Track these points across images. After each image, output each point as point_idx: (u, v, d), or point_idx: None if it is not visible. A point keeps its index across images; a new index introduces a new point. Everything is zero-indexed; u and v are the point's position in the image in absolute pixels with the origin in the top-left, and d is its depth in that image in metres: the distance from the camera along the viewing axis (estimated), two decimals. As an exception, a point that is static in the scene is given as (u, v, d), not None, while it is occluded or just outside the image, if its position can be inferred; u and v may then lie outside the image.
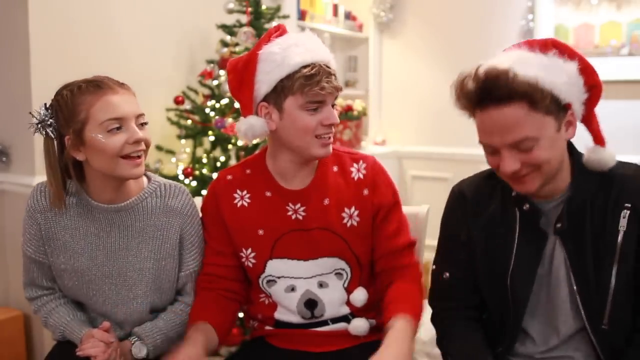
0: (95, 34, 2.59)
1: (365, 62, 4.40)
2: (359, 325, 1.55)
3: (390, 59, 4.39)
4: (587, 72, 1.29)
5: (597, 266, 1.30)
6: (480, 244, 1.41)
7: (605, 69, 3.56)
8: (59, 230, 1.50)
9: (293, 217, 1.51)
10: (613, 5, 3.58)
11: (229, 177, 1.58)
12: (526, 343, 1.41)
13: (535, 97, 1.20)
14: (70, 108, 1.38)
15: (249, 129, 1.47)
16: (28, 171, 2.42)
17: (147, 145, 1.44)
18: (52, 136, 1.41)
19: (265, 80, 1.43)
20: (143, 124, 1.43)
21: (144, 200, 1.51)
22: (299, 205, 1.51)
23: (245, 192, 1.55)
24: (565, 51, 1.28)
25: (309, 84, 1.40)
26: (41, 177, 2.35)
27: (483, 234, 1.41)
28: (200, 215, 1.59)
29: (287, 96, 1.42)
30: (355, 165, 1.56)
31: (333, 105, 1.47)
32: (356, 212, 1.52)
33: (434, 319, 1.52)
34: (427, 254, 1.68)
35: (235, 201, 1.54)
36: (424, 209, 1.77)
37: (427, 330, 2.96)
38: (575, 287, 1.32)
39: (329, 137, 1.47)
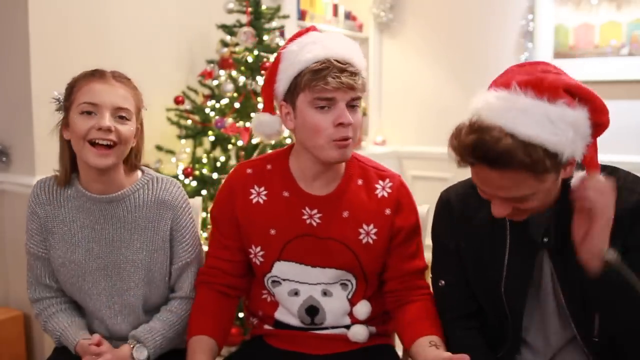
0: (95, 34, 2.59)
1: (365, 62, 4.39)
2: (359, 332, 1.53)
3: (390, 59, 4.39)
4: (597, 113, 1.17)
5: (584, 279, 1.24)
6: (470, 254, 1.39)
7: (605, 69, 3.59)
8: (57, 223, 1.52)
9: (307, 221, 1.48)
10: (613, 5, 3.58)
11: (249, 170, 1.54)
12: (524, 352, 1.40)
13: (537, 168, 1.13)
14: (68, 90, 1.47)
15: (259, 125, 1.49)
16: (28, 171, 2.42)
17: (122, 140, 1.43)
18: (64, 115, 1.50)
19: (283, 79, 1.43)
20: (122, 118, 1.44)
21: (135, 192, 1.52)
22: (315, 211, 1.48)
23: (262, 188, 1.51)
24: (577, 94, 1.16)
25: (315, 78, 1.36)
26: (41, 178, 2.36)
27: (472, 244, 1.38)
28: (191, 208, 1.60)
29: (298, 93, 1.40)
30: (381, 182, 1.52)
31: (354, 106, 1.41)
32: (374, 230, 1.49)
33: None
34: (427, 254, 1.67)
35: (251, 197, 1.51)
36: (424, 209, 1.76)
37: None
38: (563, 300, 1.30)
39: (346, 139, 1.40)
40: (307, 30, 1.48)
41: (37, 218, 1.53)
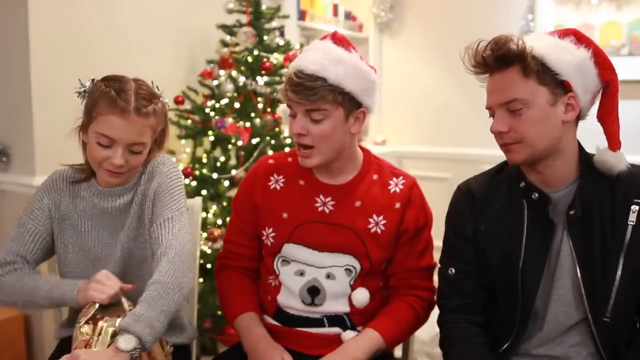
0: (95, 35, 2.59)
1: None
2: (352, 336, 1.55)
3: (390, 59, 4.39)
4: (600, 65, 1.33)
5: (604, 257, 1.33)
6: (490, 236, 1.42)
7: (605, 69, 3.58)
8: (70, 210, 1.58)
9: (320, 209, 1.57)
10: (613, 5, 3.58)
11: (271, 161, 1.67)
12: (526, 343, 1.41)
13: (526, 64, 1.28)
14: (92, 101, 1.48)
15: None
16: (28, 171, 2.42)
17: (131, 167, 1.50)
18: None
19: None
20: (134, 152, 1.48)
21: (140, 183, 1.58)
22: (329, 198, 1.58)
23: (280, 176, 1.63)
24: (583, 41, 1.33)
25: (283, 91, 1.49)
26: (41, 178, 2.36)
27: (493, 225, 1.43)
28: (179, 179, 1.59)
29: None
30: (394, 179, 1.61)
31: (315, 118, 1.48)
32: (383, 222, 1.56)
33: (439, 320, 1.52)
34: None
35: (270, 183, 1.63)
36: (423, 209, 1.75)
37: (427, 330, 2.95)
38: (580, 277, 1.34)
39: (301, 149, 1.51)
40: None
41: (49, 199, 1.58)
